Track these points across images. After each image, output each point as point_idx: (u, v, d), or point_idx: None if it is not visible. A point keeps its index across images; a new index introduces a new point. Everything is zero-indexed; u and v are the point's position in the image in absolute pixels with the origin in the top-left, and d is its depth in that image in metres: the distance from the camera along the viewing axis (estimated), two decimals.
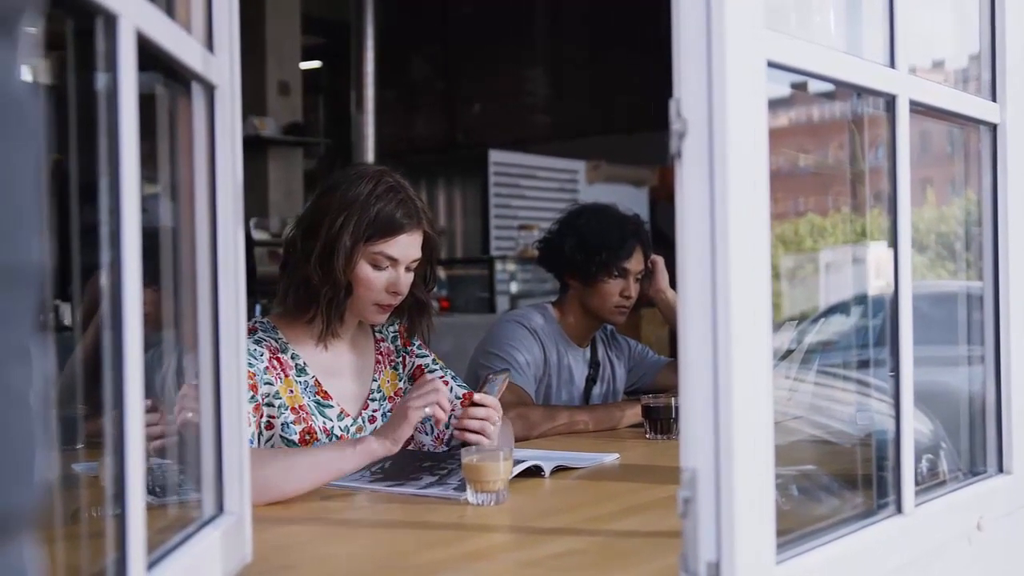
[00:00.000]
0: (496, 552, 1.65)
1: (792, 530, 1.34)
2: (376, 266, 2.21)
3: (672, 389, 2.97)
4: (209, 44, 1.36)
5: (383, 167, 2.32)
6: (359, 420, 2.31)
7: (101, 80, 1.03)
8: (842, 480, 1.74)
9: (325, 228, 2.18)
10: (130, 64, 1.03)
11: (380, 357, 2.41)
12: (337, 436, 2.24)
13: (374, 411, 2.35)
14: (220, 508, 1.38)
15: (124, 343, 1.02)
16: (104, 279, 1.03)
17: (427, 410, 2.02)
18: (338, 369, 2.32)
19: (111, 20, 1.01)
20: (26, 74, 0.59)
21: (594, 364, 3.19)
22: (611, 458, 2.38)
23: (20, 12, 0.58)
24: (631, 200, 7.35)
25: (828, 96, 1.76)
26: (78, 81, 1.07)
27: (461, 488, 1.93)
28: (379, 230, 2.19)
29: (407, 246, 2.23)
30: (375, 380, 2.38)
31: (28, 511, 0.57)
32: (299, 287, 2.23)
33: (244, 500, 1.41)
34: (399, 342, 2.45)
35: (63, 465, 1.29)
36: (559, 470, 2.20)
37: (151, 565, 1.11)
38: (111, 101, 1.02)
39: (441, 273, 7.79)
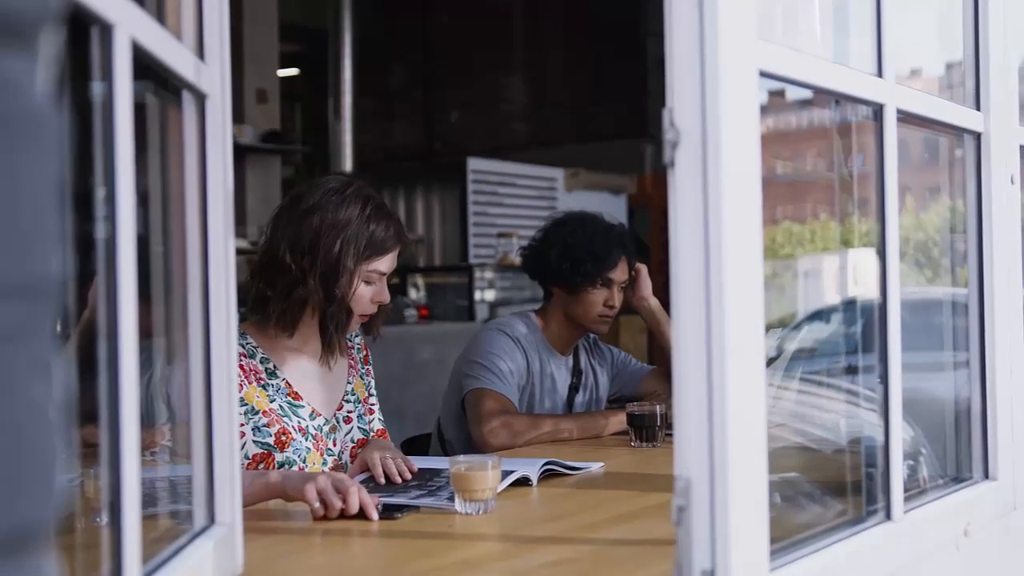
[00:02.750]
0: (487, 561, 1.64)
1: (785, 537, 1.35)
2: (368, 282, 2.31)
3: (656, 396, 2.98)
4: (200, 53, 1.36)
5: (356, 180, 2.39)
6: (333, 420, 2.37)
7: (96, 88, 1.02)
8: (830, 487, 1.74)
9: (323, 251, 2.24)
10: (125, 73, 1.03)
11: (352, 362, 2.49)
12: (312, 435, 2.30)
13: (349, 412, 2.42)
14: (211, 519, 1.38)
15: (119, 353, 1.01)
16: (100, 288, 1.02)
17: (316, 505, 1.85)
18: (311, 372, 2.37)
19: (107, 29, 1.00)
20: (46, 86, 0.59)
21: (577, 372, 3.19)
22: (597, 466, 2.38)
23: (40, 25, 0.57)
24: (609, 208, 7.34)
25: (805, 104, 1.77)
26: (71, 90, 1.06)
27: (452, 500, 1.92)
28: (376, 250, 2.29)
29: (393, 259, 2.35)
30: (349, 383, 2.45)
31: (49, 524, 0.57)
32: (296, 307, 2.27)
33: (235, 511, 1.41)
34: (361, 355, 2.54)
35: None
36: (548, 476, 2.20)
37: None
38: (106, 110, 1.02)
39: (419, 281, 7.78)
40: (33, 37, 0.57)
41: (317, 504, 1.85)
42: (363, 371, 2.52)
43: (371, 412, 2.52)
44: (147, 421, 1.50)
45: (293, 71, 10.04)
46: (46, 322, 0.57)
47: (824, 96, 1.62)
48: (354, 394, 2.45)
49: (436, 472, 2.21)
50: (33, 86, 0.58)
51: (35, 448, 0.55)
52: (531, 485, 2.14)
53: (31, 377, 0.55)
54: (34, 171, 0.57)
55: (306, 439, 2.28)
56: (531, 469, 2.17)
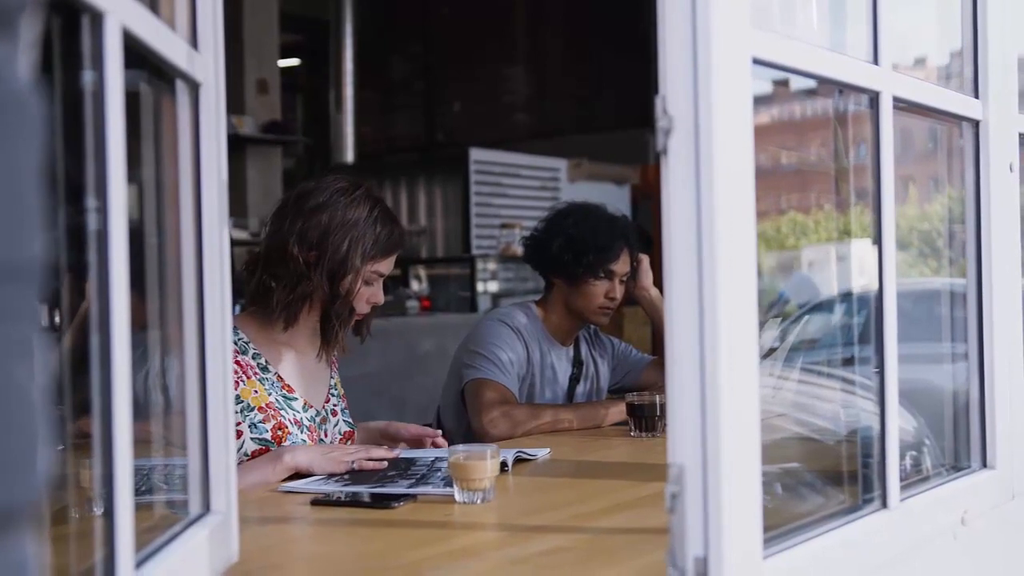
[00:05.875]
0: (484, 550, 1.64)
1: (779, 525, 1.35)
2: (367, 282, 2.35)
3: (656, 387, 2.98)
4: (194, 41, 1.36)
5: (363, 182, 2.42)
6: (323, 412, 2.42)
7: (86, 77, 1.02)
8: (827, 476, 1.74)
9: (331, 248, 2.28)
10: (116, 62, 1.02)
11: (334, 360, 2.53)
12: (306, 427, 2.34)
13: (334, 405, 2.48)
14: (207, 507, 1.38)
15: (111, 343, 1.01)
16: (90, 279, 1.02)
17: (354, 465, 2.16)
18: (299, 366, 2.41)
19: (97, 17, 1.00)
20: (26, 70, 0.59)
21: (577, 363, 3.19)
22: (543, 452, 2.41)
23: (21, 9, 0.58)
24: (612, 198, 7.36)
25: (810, 93, 1.77)
26: (62, 79, 1.06)
27: (449, 483, 1.93)
28: (381, 251, 2.34)
29: (392, 262, 2.41)
30: (332, 378, 2.50)
31: (31, 506, 0.57)
32: (300, 300, 2.31)
33: (231, 500, 1.41)
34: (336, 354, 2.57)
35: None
36: (548, 467, 2.22)
37: (139, 564, 1.10)
38: (97, 99, 1.02)
39: (421, 272, 7.79)
40: (13, 23, 0.57)
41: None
42: (337, 369, 2.58)
43: (335, 415, 2.54)
44: (147, 414, 1.50)
45: (294, 61, 10.04)
46: (28, 304, 0.58)
47: (825, 85, 1.62)
48: (336, 389, 2.51)
49: (412, 461, 2.22)
50: (13, 71, 0.58)
51: (16, 429, 0.56)
52: (507, 471, 2.15)
53: (13, 358, 0.56)
54: (14, 156, 0.57)
55: (301, 431, 2.31)
56: (506, 455, 2.21)
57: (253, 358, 2.32)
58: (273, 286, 2.29)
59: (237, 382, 2.23)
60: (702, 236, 1.18)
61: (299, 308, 2.32)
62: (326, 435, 2.40)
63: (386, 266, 2.38)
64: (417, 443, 2.46)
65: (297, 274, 2.28)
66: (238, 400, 2.23)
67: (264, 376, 2.31)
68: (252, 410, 2.26)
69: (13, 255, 0.56)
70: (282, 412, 2.29)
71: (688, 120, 1.18)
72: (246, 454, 2.22)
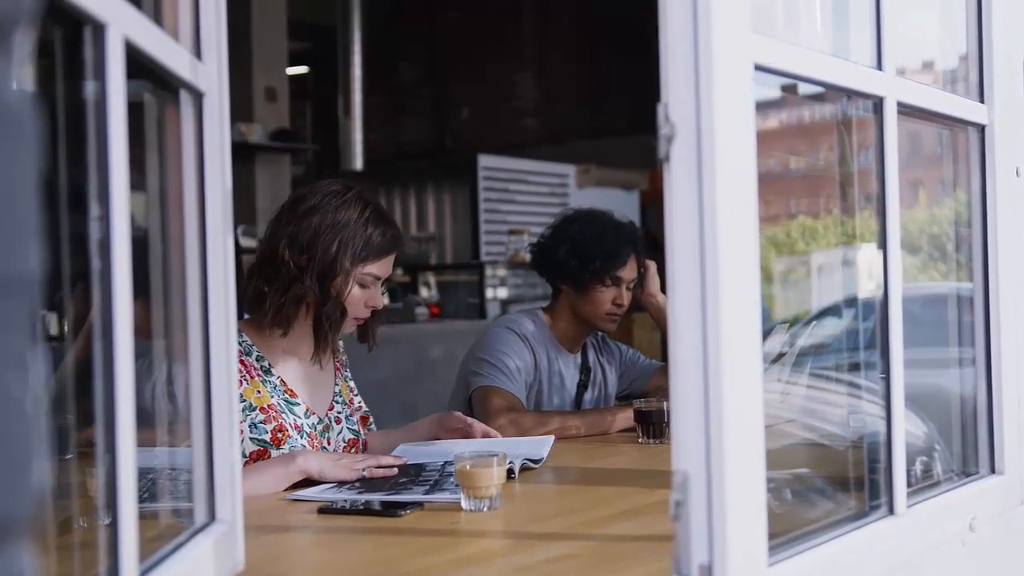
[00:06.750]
0: (490, 557, 1.64)
1: (785, 532, 1.34)
2: (362, 285, 2.35)
3: (664, 393, 2.97)
4: (197, 51, 1.36)
5: (357, 185, 2.42)
6: (326, 419, 2.42)
7: (89, 88, 1.03)
8: (835, 482, 1.74)
9: (320, 250, 2.28)
10: (119, 72, 1.03)
11: (339, 365, 2.53)
12: (307, 433, 2.34)
13: (338, 413, 2.47)
14: (212, 516, 1.38)
15: (114, 352, 1.02)
16: (94, 288, 1.03)
17: (364, 473, 2.15)
18: (302, 373, 2.41)
19: (99, 29, 1.00)
20: (21, 83, 0.59)
21: (585, 370, 3.18)
22: (548, 440, 2.45)
23: (15, 21, 0.58)
24: (621, 204, 7.35)
25: (818, 98, 1.76)
26: (65, 89, 1.07)
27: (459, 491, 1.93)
28: (372, 253, 2.33)
29: (390, 264, 2.39)
30: (336, 385, 2.50)
31: (26, 518, 0.57)
32: (292, 304, 2.31)
33: (236, 508, 1.41)
34: (345, 359, 2.59)
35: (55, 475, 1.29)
36: (524, 469, 2.24)
37: (143, 573, 1.10)
38: (99, 109, 1.02)
39: (431, 279, 7.78)
40: (8, 34, 0.58)
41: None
42: (346, 375, 2.57)
43: (356, 412, 2.55)
44: (154, 424, 1.51)
45: (302, 69, 10.04)
46: (23, 317, 0.58)
47: (831, 90, 1.62)
48: (341, 395, 2.50)
49: (422, 467, 2.22)
50: (8, 83, 0.58)
51: (11, 441, 0.56)
52: (514, 479, 2.15)
53: (7, 371, 0.56)
54: (11, 168, 0.57)
55: (301, 436, 2.31)
56: (521, 451, 2.23)
57: (257, 360, 2.33)
58: (266, 291, 2.30)
59: (240, 381, 2.24)
60: (705, 242, 1.18)
61: (292, 312, 2.31)
62: (329, 443, 2.40)
63: (380, 268, 2.36)
64: (465, 435, 2.48)
65: (289, 278, 2.28)
66: (240, 399, 2.23)
67: (267, 379, 2.32)
68: (254, 409, 2.26)
69: (8, 268, 0.56)
70: (283, 415, 2.30)
71: (690, 127, 1.18)
72: (244, 454, 2.22)
